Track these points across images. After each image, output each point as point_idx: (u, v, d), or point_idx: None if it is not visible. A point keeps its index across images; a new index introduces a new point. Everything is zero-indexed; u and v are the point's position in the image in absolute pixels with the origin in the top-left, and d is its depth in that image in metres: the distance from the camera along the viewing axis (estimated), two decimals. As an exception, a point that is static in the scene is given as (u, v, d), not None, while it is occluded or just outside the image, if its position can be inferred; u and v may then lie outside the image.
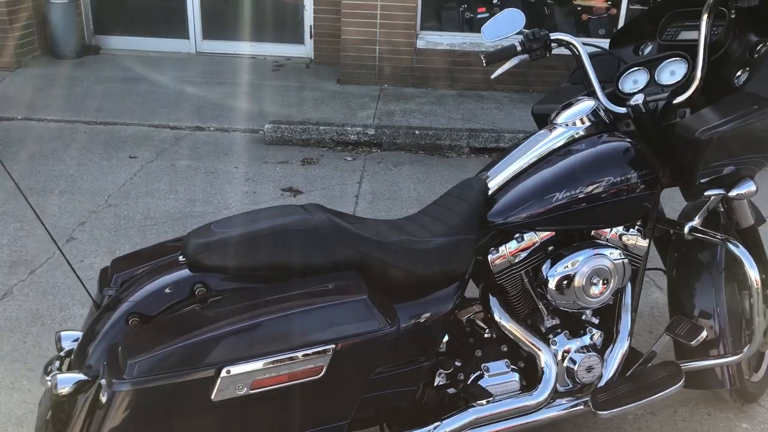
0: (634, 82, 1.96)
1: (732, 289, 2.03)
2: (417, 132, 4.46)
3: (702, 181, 1.77)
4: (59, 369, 1.48)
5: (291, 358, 1.36)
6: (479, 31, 5.58)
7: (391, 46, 5.58)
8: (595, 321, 1.92)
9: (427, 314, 1.66)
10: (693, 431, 2.12)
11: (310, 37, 6.39)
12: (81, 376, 1.38)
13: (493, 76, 2.18)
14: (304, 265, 1.52)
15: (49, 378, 1.38)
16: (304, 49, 6.51)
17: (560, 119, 1.88)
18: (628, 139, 1.82)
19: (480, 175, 1.91)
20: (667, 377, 1.86)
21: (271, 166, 4.19)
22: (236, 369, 1.32)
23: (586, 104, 1.88)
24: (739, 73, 1.85)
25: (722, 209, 2.08)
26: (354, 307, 1.44)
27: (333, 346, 1.39)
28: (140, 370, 1.27)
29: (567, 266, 1.76)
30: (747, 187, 1.82)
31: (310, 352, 1.37)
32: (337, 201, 3.69)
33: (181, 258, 1.53)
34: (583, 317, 1.91)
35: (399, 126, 4.54)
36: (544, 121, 2.17)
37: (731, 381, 2.01)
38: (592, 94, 1.97)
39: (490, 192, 1.82)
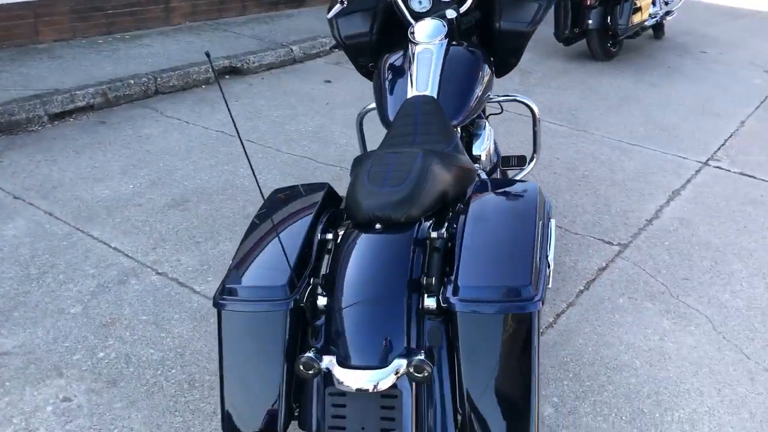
0: (419, 2, 2.71)
1: None
2: (-17, 113, 3.78)
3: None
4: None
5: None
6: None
7: None
8: None
9: None
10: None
11: None
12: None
13: (329, 16, 2.60)
14: (453, 189, 1.92)
15: (403, 368, 1.42)
16: None
17: (424, 38, 2.50)
18: (472, 44, 2.61)
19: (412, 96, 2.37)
20: None
21: None
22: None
23: (438, 24, 2.54)
24: None
25: None
26: (537, 189, 1.95)
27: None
28: (536, 289, 1.55)
29: (486, 140, 2.56)
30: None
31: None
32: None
33: (378, 225, 1.66)
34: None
35: (-44, 112, 3.72)
36: (357, 46, 2.70)
37: None
38: (404, 19, 2.64)
39: None
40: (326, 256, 1.75)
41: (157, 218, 3.11)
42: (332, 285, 1.61)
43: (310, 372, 1.48)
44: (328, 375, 1.50)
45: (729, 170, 4.13)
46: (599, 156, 4.18)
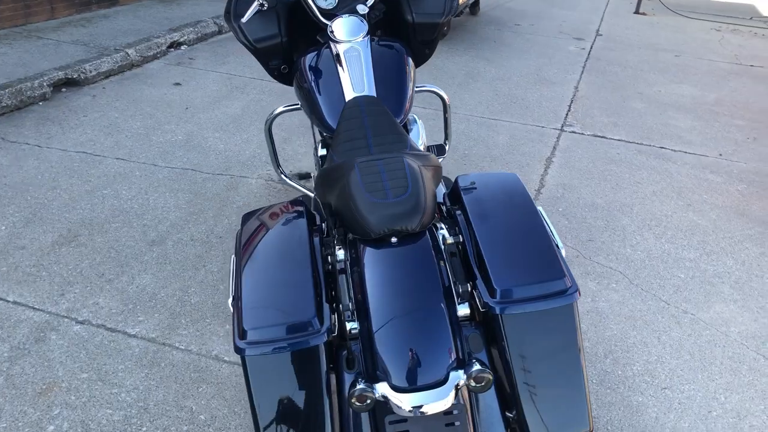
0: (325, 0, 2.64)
1: None
2: None
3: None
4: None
5: None
6: None
7: None
8: None
9: None
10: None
11: None
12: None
13: (244, 20, 2.44)
14: (435, 190, 1.92)
15: (463, 380, 1.40)
16: None
17: (345, 36, 2.43)
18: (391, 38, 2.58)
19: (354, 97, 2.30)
20: None
21: None
22: None
23: (357, 21, 2.48)
24: None
25: None
26: (518, 179, 1.97)
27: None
28: (570, 280, 1.56)
29: (421, 134, 2.57)
30: None
31: None
32: None
33: (393, 239, 1.63)
34: None
35: None
36: (268, 49, 2.57)
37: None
38: (316, 18, 2.55)
39: None
40: (339, 278, 1.67)
41: (50, 260, 2.75)
42: (365, 307, 1.54)
43: (364, 404, 1.42)
44: (380, 402, 1.45)
45: (583, 133, 4.51)
46: (470, 134, 4.36)
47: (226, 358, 2.29)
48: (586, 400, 1.54)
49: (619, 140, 4.43)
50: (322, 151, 2.54)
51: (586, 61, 6.30)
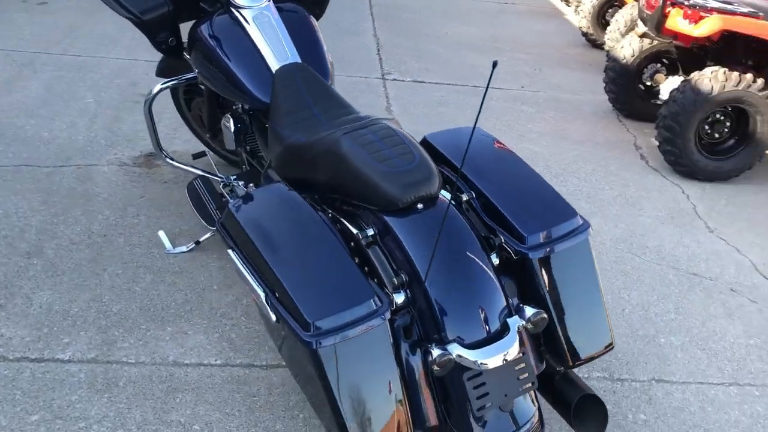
0: None
1: None
2: None
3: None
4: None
5: None
6: None
7: None
8: None
9: None
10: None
11: None
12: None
13: None
14: None
15: (521, 325, 1.55)
16: None
17: (246, 2, 2.30)
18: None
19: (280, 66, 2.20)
20: None
21: None
22: None
23: None
24: None
25: None
26: (488, 133, 2.05)
27: None
28: (581, 217, 1.77)
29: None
30: None
31: None
32: None
33: (420, 206, 1.65)
34: None
35: None
36: (156, 21, 2.35)
37: None
38: None
39: None
40: (371, 251, 1.66)
41: None
42: (414, 276, 1.57)
43: (445, 368, 1.49)
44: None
45: (404, 80, 4.73)
46: (304, 91, 4.33)
47: (186, 362, 2.13)
48: (606, 318, 1.75)
49: (436, 83, 4.73)
50: (234, 126, 2.42)
51: (371, 8, 6.50)
